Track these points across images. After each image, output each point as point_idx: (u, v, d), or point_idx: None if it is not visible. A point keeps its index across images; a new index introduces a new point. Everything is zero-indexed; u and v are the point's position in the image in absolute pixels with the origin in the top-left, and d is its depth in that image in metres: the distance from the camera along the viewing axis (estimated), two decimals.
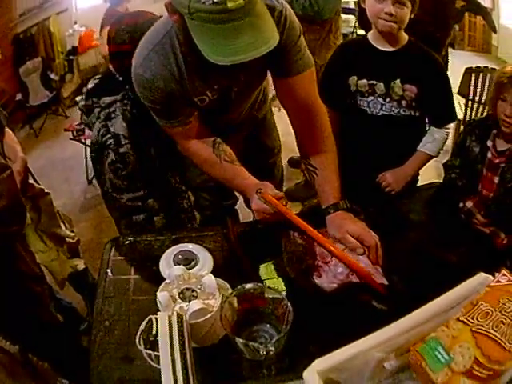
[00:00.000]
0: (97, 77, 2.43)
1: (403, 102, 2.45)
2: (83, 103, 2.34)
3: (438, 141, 2.53)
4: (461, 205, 2.25)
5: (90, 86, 2.35)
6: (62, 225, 2.94)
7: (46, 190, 2.81)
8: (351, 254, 1.83)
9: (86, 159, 5.12)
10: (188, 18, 1.54)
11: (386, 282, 1.75)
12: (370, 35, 2.48)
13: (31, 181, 2.71)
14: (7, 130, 2.71)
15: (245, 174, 2.04)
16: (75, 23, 7.58)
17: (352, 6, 7.07)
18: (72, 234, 3.04)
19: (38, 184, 2.87)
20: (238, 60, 1.51)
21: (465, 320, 1.15)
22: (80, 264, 3.07)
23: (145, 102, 1.95)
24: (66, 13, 7.51)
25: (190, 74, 1.85)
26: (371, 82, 2.46)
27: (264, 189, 1.91)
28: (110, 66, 2.28)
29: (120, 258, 2.06)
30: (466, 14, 7.06)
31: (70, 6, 7.54)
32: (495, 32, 6.77)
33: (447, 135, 2.56)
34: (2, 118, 2.69)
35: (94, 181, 5.02)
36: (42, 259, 2.73)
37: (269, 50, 1.52)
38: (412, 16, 2.30)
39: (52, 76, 7.15)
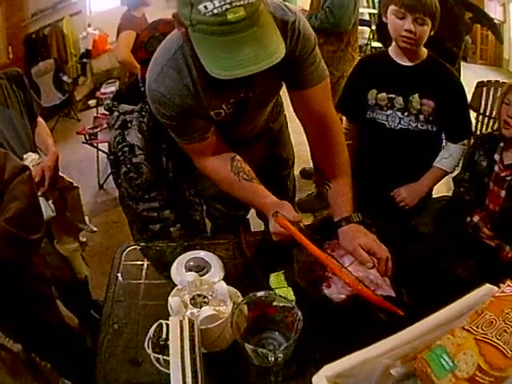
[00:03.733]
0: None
1: (421, 117, 2.48)
2: (108, 102, 2.37)
3: (454, 157, 2.56)
4: (468, 219, 2.27)
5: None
6: (86, 219, 2.96)
7: (74, 184, 2.81)
8: (361, 267, 1.84)
9: (98, 163, 5.18)
10: (191, 30, 1.52)
11: (393, 294, 1.76)
12: (390, 49, 2.52)
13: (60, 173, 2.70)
14: (40, 120, 2.72)
15: (263, 193, 1.97)
16: (89, 26, 7.60)
17: (367, 17, 7.10)
18: (94, 229, 3.04)
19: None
20: (238, 74, 1.47)
21: (469, 329, 1.17)
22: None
23: (161, 118, 1.91)
24: (80, 15, 7.52)
25: (206, 88, 1.80)
26: (390, 95, 2.49)
27: (281, 211, 1.84)
28: (139, 73, 2.29)
29: (131, 262, 2.07)
30: (478, 27, 7.09)
31: (84, 8, 7.55)
32: (501, 43, 6.79)
33: (463, 151, 2.58)
34: (36, 107, 2.70)
35: (105, 185, 5.08)
36: (65, 250, 2.76)
37: (272, 64, 1.48)
38: (432, 33, 2.34)
39: (64, 78, 7.16)
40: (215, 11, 1.41)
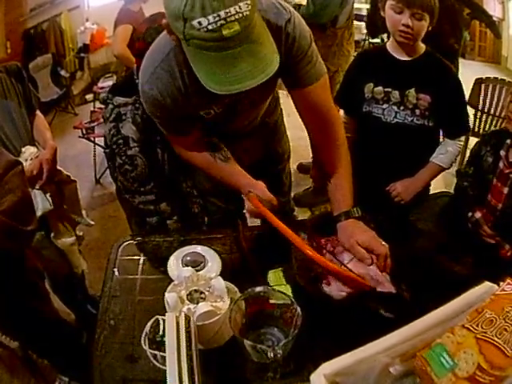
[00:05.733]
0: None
1: (417, 111, 2.47)
2: (103, 94, 2.37)
3: (451, 153, 2.56)
4: (469, 214, 2.25)
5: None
6: (83, 213, 2.94)
7: (72, 178, 2.80)
8: (361, 264, 1.83)
9: (95, 158, 5.16)
10: (184, 44, 1.50)
11: (393, 290, 1.75)
12: (388, 44, 2.53)
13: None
14: (39, 114, 2.71)
15: (239, 173, 2.02)
16: (87, 20, 7.57)
17: (364, 12, 7.07)
18: (92, 222, 3.03)
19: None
20: (233, 90, 1.48)
21: (469, 327, 1.16)
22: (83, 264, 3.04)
23: (151, 117, 1.94)
24: (78, 10, 7.49)
25: (197, 90, 1.75)
26: (387, 89, 2.49)
27: (254, 190, 1.90)
28: (135, 66, 2.27)
29: (127, 257, 2.07)
30: (477, 24, 7.08)
31: (82, 3, 7.52)
32: (498, 38, 6.79)
33: (460, 147, 2.59)
34: (34, 100, 2.69)
35: (102, 180, 5.07)
36: (62, 244, 2.75)
37: (268, 77, 1.49)
38: (430, 28, 2.33)
39: (62, 73, 7.15)
40: (210, 27, 1.38)
